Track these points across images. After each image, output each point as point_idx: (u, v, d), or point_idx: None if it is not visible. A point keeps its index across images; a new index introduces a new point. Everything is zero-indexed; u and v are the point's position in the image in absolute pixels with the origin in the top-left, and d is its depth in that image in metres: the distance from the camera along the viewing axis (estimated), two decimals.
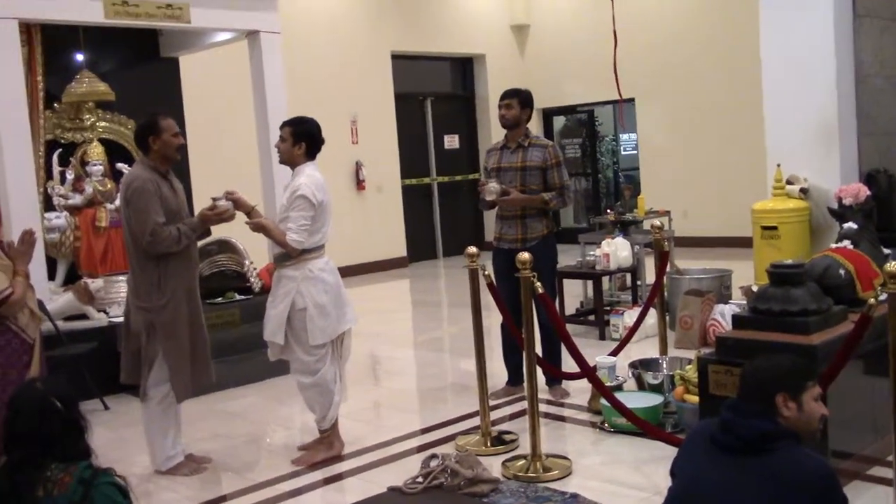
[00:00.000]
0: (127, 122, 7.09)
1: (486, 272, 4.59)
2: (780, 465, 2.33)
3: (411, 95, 12.31)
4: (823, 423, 2.52)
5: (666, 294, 5.82)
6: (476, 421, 4.66)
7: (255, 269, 6.72)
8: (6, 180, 5.71)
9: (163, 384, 4.21)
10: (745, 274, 7.17)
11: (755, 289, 5.29)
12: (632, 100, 11.60)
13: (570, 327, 5.94)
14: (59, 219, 6.46)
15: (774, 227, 6.73)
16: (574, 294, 7.50)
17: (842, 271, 4.03)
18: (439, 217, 12.65)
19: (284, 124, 4.39)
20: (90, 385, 5.52)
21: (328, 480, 4.16)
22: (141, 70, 7.68)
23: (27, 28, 6.08)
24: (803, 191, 6.85)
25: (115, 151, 6.94)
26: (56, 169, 6.58)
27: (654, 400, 4.54)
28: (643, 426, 4.17)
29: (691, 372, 4.37)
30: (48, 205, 6.50)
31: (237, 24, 6.91)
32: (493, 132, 12.36)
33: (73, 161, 6.74)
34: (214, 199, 4.22)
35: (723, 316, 5.97)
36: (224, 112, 9.56)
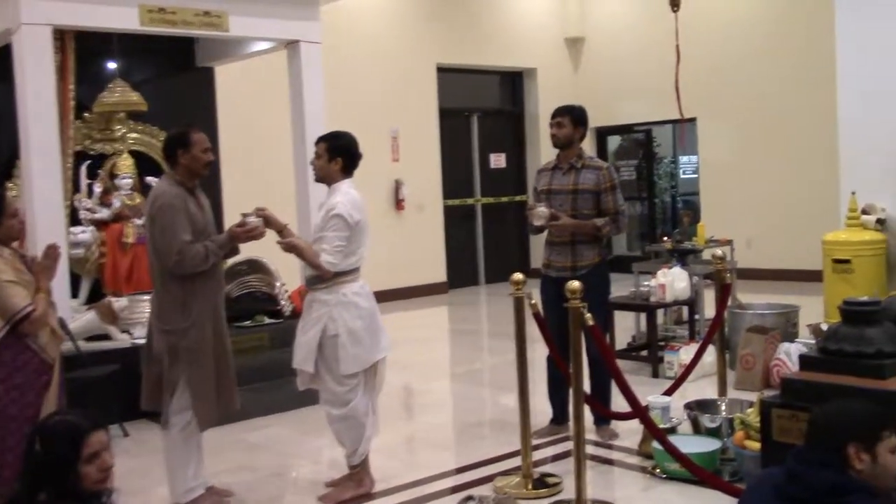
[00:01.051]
0: (159, 134, 7.18)
1: (533, 301, 4.57)
2: None
3: (456, 111, 12.35)
4: None
5: (726, 330, 5.73)
6: (516, 461, 4.61)
7: (286, 291, 6.74)
8: (33, 192, 5.81)
9: (185, 411, 4.22)
10: (814, 310, 7.04)
11: (825, 327, 5.18)
12: (693, 119, 11.51)
13: (620, 363, 5.86)
14: (84, 233, 6.57)
15: (847, 261, 6.61)
16: (626, 327, 7.42)
17: None
18: (482, 241, 12.63)
19: (320, 140, 4.43)
20: (110, 410, 5.55)
21: None
22: (175, 80, 7.81)
23: (61, 35, 6.21)
24: (880, 221, 6.73)
25: (145, 164, 7.05)
26: (84, 181, 6.70)
27: (710, 445, 4.46)
28: (698, 473, 4.08)
29: (752, 416, 4.29)
30: (74, 219, 6.61)
31: (277, 34, 6.99)
32: (542, 152, 12.34)
33: (102, 173, 6.86)
34: (244, 216, 4.25)
35: (788, 356, 5.86)
36: (259, 125, 9.68)
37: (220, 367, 4.27)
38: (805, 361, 3.78)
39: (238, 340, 5.90)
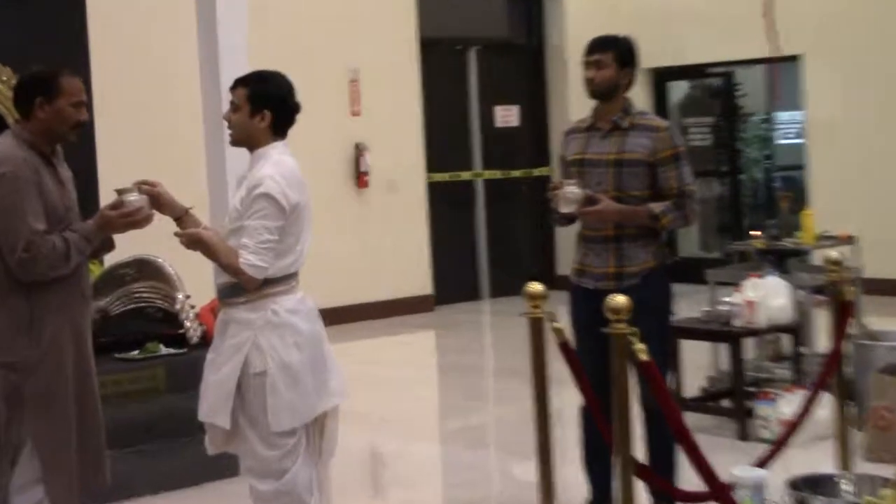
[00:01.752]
0: (1, 71, 7.14)
1: (558, 324, 4.55)
2: None
3: (445, 42, 12.38)
4: None
5: (848, 371, 5.69)
6: None
7: (192, 307, 6.70)
8: None
9: (33, 487, 4.20)
10: None
11: None
12: (795, 58, 11.49)
13: (690, 417, 5.80)
14: None
15: None
16: (698, 364, 7.42)
17: None
18: (485, 235, 12.66)
19: (237, 84, 4.40)
20: None
21: None
22: None
23: None
24: None
25: None
26: None
27: None
28: None
29: (890, 499, 4.24)
30: None
31: None
32: (572, 104, 12.24)
33: None
34: (121, 193, 4.22)
35: None
36: (152, 62, 9.63)
37: (85, 420, 4.24)
38: None
39: (118, 380, 5.88)
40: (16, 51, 7.03)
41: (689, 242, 13.13)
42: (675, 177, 5.04)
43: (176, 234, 4.24)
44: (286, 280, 4.29)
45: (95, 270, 6.24)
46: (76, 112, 4.25)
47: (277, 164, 4.26)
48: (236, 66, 6.54)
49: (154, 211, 4.25)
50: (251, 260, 4.15)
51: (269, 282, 4.22)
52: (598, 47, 5.15)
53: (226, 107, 4.55)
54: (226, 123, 4.45)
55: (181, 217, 4.28)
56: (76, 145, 4.49)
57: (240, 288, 4.23)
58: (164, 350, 6.48)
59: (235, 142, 4.42)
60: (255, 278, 4.17)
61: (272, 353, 4.20)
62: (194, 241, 4.19)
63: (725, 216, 13.34)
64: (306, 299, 4.36)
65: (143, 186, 4.24)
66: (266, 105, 4.32)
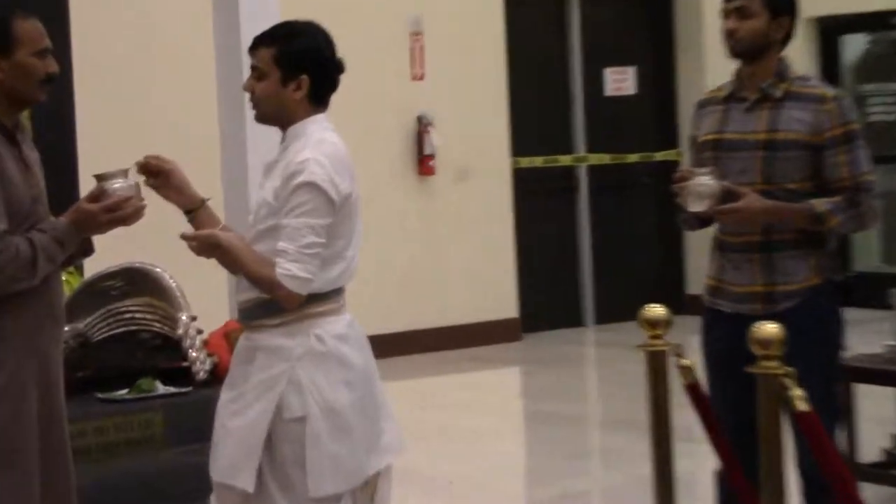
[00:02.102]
0: None
1: (686, 360, 4.53)
2: None
3: None
4: None
5: None
6: None
7: (199, 333, 6.73)
8: None
9: None
10: None
11: None
12: None
13: (867, 489, 5.75)
14: None
15: None
16: (879, 418, 7.39)
17: None
18: (590, 239, 12.71)
19: (258, 43, 4.37)
20: None
21: None
22: None
23: None
24: None
25: None
26: None
27: None
28: None
29: None
30: None
31: None
32: (707, 66, 12.23)
33: None
34: (101, 179, 4.26)
35: None
36: (151, 12, 9.76)
37: (51, 479, 4.29)
38: None
39: (101, 427, 5.91)
40: None
41: (868, 253, 13.08)
42: (847, 163, 4.98)
43: (184, 237, 4.21)
44: (333, 296, 4.28)
45: (72, 282, 6.30)
46: (43, 63, 4.28)
47: (320, 143, 4.24)
48: (263, 16, 6.58)
49: (145, 203, 4.26)
50: (292, 270, 4.10)
51: (312, 298, 4.20)
52: None
53: (246, 72, 4.54)
54: (247, 96, 4.43)
55: (193, 210, 4.32)
56: (47, 114, 4.50)
57: (273, 306, 4.21)
58: (161, 388, 6.55)
59: (262, 117, 4.40)
60: (297, 294, 4.14)
61: (314, 393, 4.18)
62: (209, 245, 4.18)
63: None
64: (356, 323, 4.35)
65: (153, 161, 4.26)
66: (301, 68, 4.29)
